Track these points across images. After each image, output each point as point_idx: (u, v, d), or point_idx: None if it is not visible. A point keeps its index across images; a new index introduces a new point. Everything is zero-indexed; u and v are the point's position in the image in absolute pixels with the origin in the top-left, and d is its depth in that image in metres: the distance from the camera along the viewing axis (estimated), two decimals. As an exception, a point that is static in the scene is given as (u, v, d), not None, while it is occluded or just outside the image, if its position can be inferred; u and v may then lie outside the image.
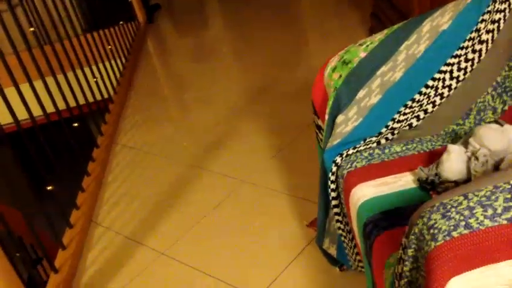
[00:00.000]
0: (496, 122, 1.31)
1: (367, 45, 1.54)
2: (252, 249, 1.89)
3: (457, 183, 1.20)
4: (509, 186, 0.82)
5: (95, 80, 3.19)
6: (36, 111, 2.32)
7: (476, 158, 1.18)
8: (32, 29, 2.59)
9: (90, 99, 3.04)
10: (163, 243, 2.04)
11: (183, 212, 2.21)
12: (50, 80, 2.49)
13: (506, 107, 1.36)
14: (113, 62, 3.61)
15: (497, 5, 1.39)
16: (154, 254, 2.00)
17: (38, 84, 2.35)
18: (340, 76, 1.51)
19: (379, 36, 1.56)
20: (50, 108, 2.43)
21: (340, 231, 1.52)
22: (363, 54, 1.52)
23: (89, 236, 2.21)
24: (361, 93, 1.47)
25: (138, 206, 2.33)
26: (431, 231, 0.84)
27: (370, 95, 1.46)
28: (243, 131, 2.72)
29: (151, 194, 2.39)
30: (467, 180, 1.20)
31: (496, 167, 1.16)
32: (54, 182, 2.26)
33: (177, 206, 2.25)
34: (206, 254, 1.93)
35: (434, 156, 1.32)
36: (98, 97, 3.17)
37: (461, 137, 1.34)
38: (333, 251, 1.64)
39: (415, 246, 0.89)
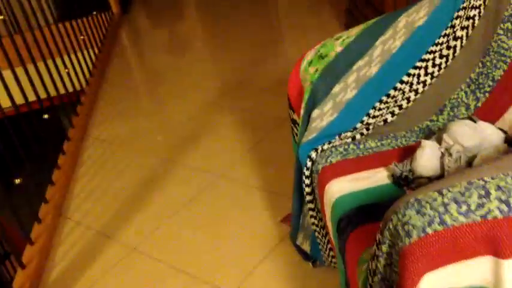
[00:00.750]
0: (469, 118, 1.32)
1: (343, 40, 1.54)
2: (225, 244, 1.88)
3: (430, 179, 1.21)
4: (483, 183, 0.82)
5: (67, 71, 3.11)
6: (5, 103, 2.25)
7: (450, 154, 1.18)
8: (1, 17, 2.51)
9: (62, 91, 2.97)
10: (135, 238, 2.01)
11: (155, 206, 2.17)
12: (19, 71, 2.42)
13: (479, 104, 1.37)
14: (85, 52, 3.53)
15: (472, 2, 1.39)
16: (125, 249, 1.96)
17: (7, 75, 2.28)
18: (316, 70, 1.49)
19: (355, 31, 1.55)
20: (20, 100, 2.36)
21: (314, 227, 1.51)
22: (339, 49, 1.51)
23: (58, 230, 2.16)
24: (337, 88, 1.46)
25: (109, 200, 2.28)
26: (406, 227, 0.84)
27: (346, 90, 1.46)
28: (218, 125, 2.69)
29: (123, 188, 2.35)
30: (441, 176, 1.20)
31: (469, 164, 1.17)
32: (23, 175, 2.20)
33: (150, 200, 2.22)
34: (178, 250, 1.90)
35: (408, 152, 1.32)
36: (70, 89, 3.10)
37: (435, 133, 1.35)
38: (306, 247, 1.63)
39: (389, 242, 0.88)
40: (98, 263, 1.92)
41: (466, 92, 1.39)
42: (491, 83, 1.34)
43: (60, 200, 2.31)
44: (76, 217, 2.22)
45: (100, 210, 2.23)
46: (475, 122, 1.26)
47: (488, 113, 1.32)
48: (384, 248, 0.90)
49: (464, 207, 0.81)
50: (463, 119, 1.32)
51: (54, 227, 2.16)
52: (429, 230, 0.82)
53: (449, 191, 0.84)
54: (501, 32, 1.33)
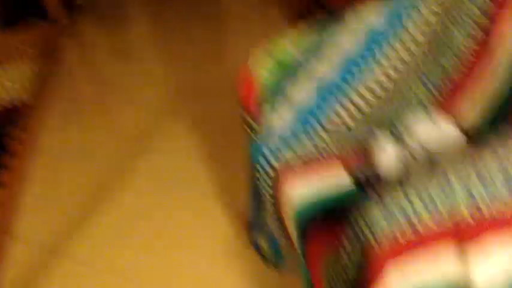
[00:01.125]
0: (427, 117, 1.32)
1: (297, 41, 1.52)
2: (186, 256, 1.82)
3: (392, 179, 1.20)
4: (446, 178, 0.81)
5: (8, 83, 2.97)
6: None
7: (411, 154, 1.18)
8: None
9: (3, 102, 2.83)
10: (89, 256, 1.91)
11: (109, 220, 2.08)
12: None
13: (435, 101, 1.37)
14: (28, 62, 3.39)
15: (429, 5, 1.40)
16: (79, 268, 1.87)
17: None
18: (270, 72, 1.47)
19: (308, 32, 1.54)
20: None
21: (274, 231, 1.48)
22: (294, 50, 1.49)
23: (6, 252, 2.03)
24: (294, 91, 1.44)
25: (59, 216, 2.17)
26: (372, 228, 0.82)
27: (303, 93, 1.44)
28: (171, 133, 2.63)
29: (73, 203, 2.24)
30: (403, 176, 1.19)
31: (431, 162, 1.17)
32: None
33: (103, 214, 2.12)
34: (136, 266, 1.83)
35: (369, 153, 1.31)
36: (12, 100, 2.96)
37: (395, 134, 1.34)
38: (268, 251, 1.60)
39: (355, 244, 0.86)
40: (52, 283, 1.82)
41: (423, 92, 1.39)
42: (446, 82, 1.35)
43: (4, 219, 2.18)
44: (25, 236, 2.10)
45: (49, 227, 2.12)
46: (433, 120, 1.26)
47: (445, 110, 1.33)
48: (349, 249, 0.88)
49: (429, 203, 0.80)
50: (422, 118, 1.32)
51: (1, 248, 2.04)
52: (395, 229, 0.80)
53: (412, 188, 0.82)
54: (455, 30, 1.34)
